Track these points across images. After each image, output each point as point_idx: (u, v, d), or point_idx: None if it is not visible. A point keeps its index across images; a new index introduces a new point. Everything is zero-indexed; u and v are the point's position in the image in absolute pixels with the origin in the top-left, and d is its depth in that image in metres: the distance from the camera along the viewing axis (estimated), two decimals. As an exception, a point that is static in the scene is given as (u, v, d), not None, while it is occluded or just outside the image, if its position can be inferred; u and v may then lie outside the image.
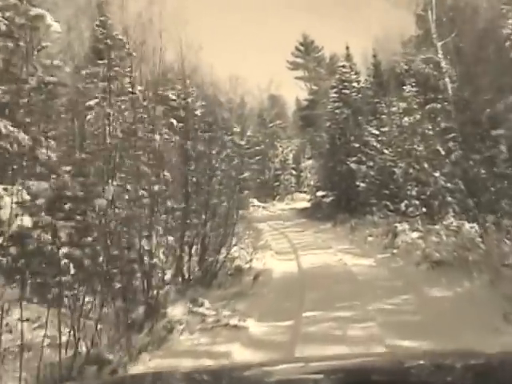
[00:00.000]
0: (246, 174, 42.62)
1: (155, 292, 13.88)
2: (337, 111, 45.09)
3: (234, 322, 13.48)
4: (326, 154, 46.47)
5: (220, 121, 61.90)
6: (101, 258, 12.11)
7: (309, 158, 64.27)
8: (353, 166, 37.71)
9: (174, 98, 43.73)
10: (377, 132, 36.23)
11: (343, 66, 47.07)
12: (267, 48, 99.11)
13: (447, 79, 35.83)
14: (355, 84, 46.05)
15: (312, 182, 53.17)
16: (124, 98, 29.94)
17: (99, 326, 10.62)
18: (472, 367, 2.69)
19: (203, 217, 19.54)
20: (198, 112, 43.92)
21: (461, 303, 12.92)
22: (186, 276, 18.30)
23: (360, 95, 44.86)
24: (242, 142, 64.67)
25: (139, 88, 31.83)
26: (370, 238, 26.23)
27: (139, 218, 14.41)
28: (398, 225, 23.56)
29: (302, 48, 71.14)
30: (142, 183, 15.47)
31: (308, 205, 50.66)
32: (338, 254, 24.06)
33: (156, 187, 15.92)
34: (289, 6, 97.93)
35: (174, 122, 41.73)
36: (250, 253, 23.78)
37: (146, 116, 28.55)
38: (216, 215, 20.44)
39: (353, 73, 47.04)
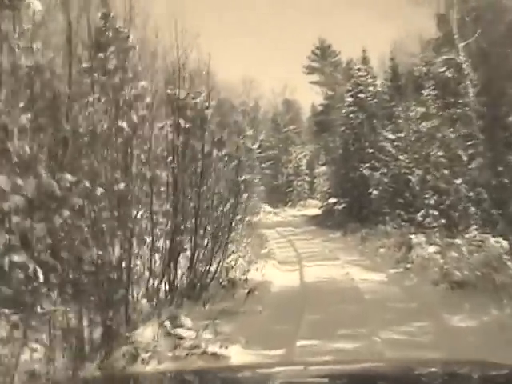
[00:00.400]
0: (248, 177, 40.05)
1: (118, 309, 11.24)
2: (351, 116, 42.56)
3: (213, 348, 10.86)
4: (338, 159, 43.94)
5: (232, 124, 59.89)
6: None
7: (322, 165, 61.61)
8: (366, 172, 35.05)
9: (182, 97, 41.54)
10: (392, 137, 33.58)
11: (359, 70, 44.47)
12: (282, 52, 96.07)
13: (468, 82, 33.38)
14: (371, 88, 43.45)
15: (324, 189, 50.41)
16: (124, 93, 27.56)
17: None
18: (487, 378, 2.51)
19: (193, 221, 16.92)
20: (207, 112, 41.63)
21: (489, 337, 10.26)
22: (171, 288, 15.64)
23: (376, 100, 42.31)
24: (255, 147, 62.36)
25: (142, 83, 29.51)
26: (381, 250, 23.57)
27: (122, 218, 11.95)
28: (412, 236, 20.84)
29: (318, 52, 68.50)
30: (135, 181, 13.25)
31: (319, 212, 47.86)
32: (345, 266, 21.48)
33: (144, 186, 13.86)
34: (305, 9, 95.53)
35: (182, 121, 39.17)
36: (249, 262, 21.24)
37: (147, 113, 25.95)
38: (210, 220, 17.81)
39: (369, 76, 44.43)
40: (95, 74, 15.34)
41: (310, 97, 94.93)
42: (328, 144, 54.34)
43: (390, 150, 33.31)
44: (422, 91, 34.25)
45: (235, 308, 14.60)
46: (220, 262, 17.73)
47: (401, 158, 32.32)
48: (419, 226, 23.88)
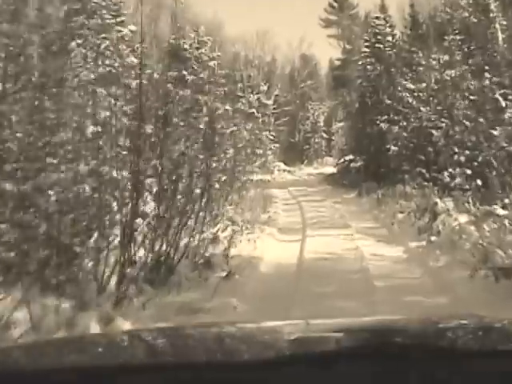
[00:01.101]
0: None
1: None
2: (368, 67, 38.01)
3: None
4: (354, 114, 39.49)
5: (245, 78, 55.34)
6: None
7: (340, 121, 57.11)
8: (383, 126, 30.56)
9: (186, 47, 37.12)
10: (412, 86, 29.03)
11: (377, 18, 39.67)
12: (299, 4, 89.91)
13: (498, 25, 28.91)
14: (389, 38, 38.64)
15: (340, 146, 45.69)
16: (106, 36, 23.44)
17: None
18: None
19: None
20: (212, 64, 37.34)
21: None
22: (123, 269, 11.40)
23: (394, 50, 37.63)
24: (269, 102, 57.95)
25: (131, 28, 25.21)
26: (399, 216, 19.14)
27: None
28: (438, 201, 16.30)
29: (335, 4, 63.55)
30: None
31: (336, 170, 43.43)
32: (356, 236, 17.06)
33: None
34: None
35: (186, 74, 34.75)
36: (240, 231, 17.09)
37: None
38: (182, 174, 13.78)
39: (387, 25, 39.60)
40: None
41: (327, 51, 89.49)
42: (346, 100, 49.96)
43: (410, 101, 28.85)
44: (445, 37, 29.88)
45: (201, 302, 10.39)
46: (196, 232, 13.64)
47: (422, 109, 27.93)
48: (445, 187, 19.50)
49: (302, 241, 16.96)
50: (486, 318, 2.70)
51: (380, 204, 22.95)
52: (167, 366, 1.76)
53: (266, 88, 56.24)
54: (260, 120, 54.55)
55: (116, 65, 22.93)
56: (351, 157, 38.53)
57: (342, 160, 40.45)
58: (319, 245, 15.90)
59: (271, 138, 55.52)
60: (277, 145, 56.19)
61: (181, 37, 36.49)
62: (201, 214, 15.17)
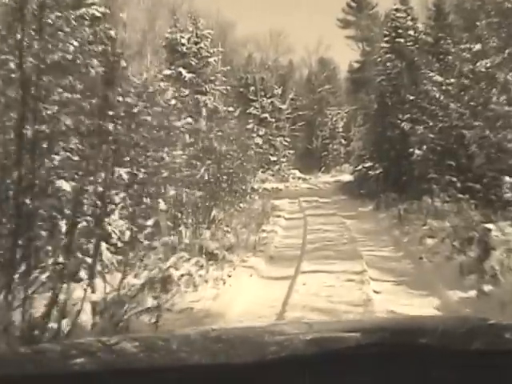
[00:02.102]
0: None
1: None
2: (388, 64, 32.46)
3: None
4: (373, 116, 33.63)
5: (258, 80, 49.70)
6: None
7: (359, 126, 51.29)
8: (405, 126, 24.75)
9: (183, 41, 31.87)
10: (440, 79, 23.24)
11: (397, 10, 33.90)
12: (314, 2, 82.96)
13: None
14: (411, 32, 32.93)
15: (357, 151, 39.62)
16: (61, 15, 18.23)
17: None
18: None
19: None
20: (213, 60, 32.07)
21: None
22: None
23: (417, 45, 31.88)
24: (284, 106, 52.32)
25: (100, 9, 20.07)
26: (429, 241, 13.30)
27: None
28: (491, 226, 10.20)
29: (353, 4, 57.84)
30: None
31: (353, 178, 37.60)
32: (367, 277, 11.07)
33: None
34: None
35: (183, 71, 28.91)
36: (206, 265, 11.67)
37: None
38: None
39: (409, 18, 33.82)
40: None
41: (346, 55, 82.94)
42: (364, 101, 44.18)
43: (438, 96, 23.06)
44: (477, 23, 24.14)
45: None
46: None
47: (452, 106, 22.23)
48: (494, 203, 13.73)
49: (291, 283, 11.12)
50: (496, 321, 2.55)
51: (402, 222, 17.13)
52: (163, 370, 1.70)
53: (280, 91, 50.56)
54: (274, 125, 49.44)
55: (71, 50, 17.11)
56: (369, 163, 32.86)
57: (360, 167, 34.63)
58: (313, 291, 10.21)
59: (286, 143, 50.02)
60: (292, 151, 50.61)
61: (178, 30, 31.22)
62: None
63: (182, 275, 10.98)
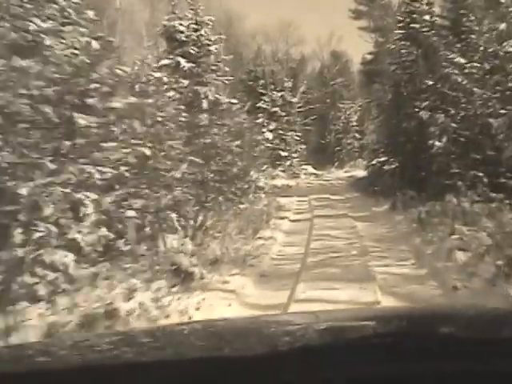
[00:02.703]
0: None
1: None
2: (403, 51, 29.26)
3: None
4: (387, 107, 30.40)
5: (267, 73, 46.52)
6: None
7: (373, 119, 48.03)
8: (424, 114, 21.53)
9: (182, 29, 28.99)
10: (462, 61, 20.08)
11: (412, -7, 30.61)
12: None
13: None
14: (427, 17, 29.60)
15: (371, 145, 36.22)
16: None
17: None
18: None
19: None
20: (214, 48, 29.10)
21: None
22: None
23: (433, 31, 28.63)
24: (295, 100, 49.09)
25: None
26: (460, 256, 10.04)
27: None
28: None
29: (366, -6, 54.44)
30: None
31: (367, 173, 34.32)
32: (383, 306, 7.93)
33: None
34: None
35: (182, 60, 26.78)
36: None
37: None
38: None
39: (424, 2, 30.51)
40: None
41: (359, 47, 78.88)
42: (378, 93, 40.91)
43: (460, 80, 19.87)
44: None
45: None
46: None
47: (476, 91, 19.13)
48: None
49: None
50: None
51: (424, 227, 13.83)
52: (166, 364, 1.61)
53: (290, 84, 47.32)
54: (284, 119, 46.31)
55: (31, 28, 14.52)
56: (384, 158, 29.72)
57: (374, 162, 31.43)
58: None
59: (297, 138, 46.80)
60: (303, 146, 47.41)
61: (177, 17, 28.19)
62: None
63: (133, 309, 7.96)
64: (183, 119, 25.17)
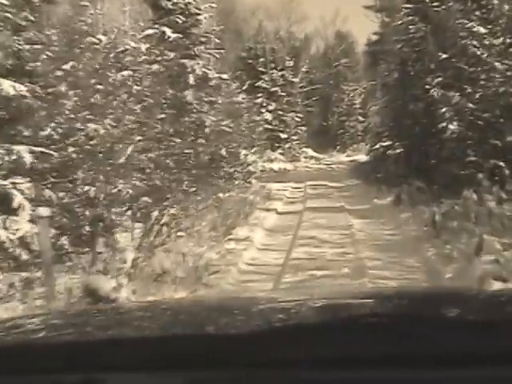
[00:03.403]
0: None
1: None
2: (411, 27, 25.70)
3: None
4: (393, 87, 26.86)
5: (268, 51, 42.97)
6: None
7: (377, 100, 44.45)
8: (435, 92, 18.09)
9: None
10: (482, 30, 16.62)
11: (422, -35, 26.95)
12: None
13: None
14: (437, -13, 26.01)
15: (373, 128, 32.48)
16: None
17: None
18: None
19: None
20: (203, 17, 25.97)
21: None
22: None
23: (444, 6, 25.14)
24: (296, 79, 45.49)
25: None
26: (498, 285, 6.64)
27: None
28: None
29: (372, -30, 50.67)
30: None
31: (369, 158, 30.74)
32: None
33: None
34: None
35: (168, 30, 23.12)
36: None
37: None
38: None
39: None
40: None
41: (365, 28, 74.05)
42: (382, 72, 37.28)
43: (479, 53, 16.43)
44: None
45: None
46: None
47: (498, 67, 15.81)
48: None
49: None
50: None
51: (438, 233, 10.34)
52: (163, 339, 1.53)
53: (292, 64, 43.71)
54: (285, 99, 42.81)
55: None
56: (388, 142, 26.32)
57: (377, 146, 27.96)
58: None
59: (298, 120, 43.27)
60: (304, 128, 43.89)
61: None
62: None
63: None
64: (168, 95, 22.23)
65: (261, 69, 41.96)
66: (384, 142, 26.80)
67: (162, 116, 21.14)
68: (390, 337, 1.34)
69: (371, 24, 47.79)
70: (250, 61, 42.37)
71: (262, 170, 33.25)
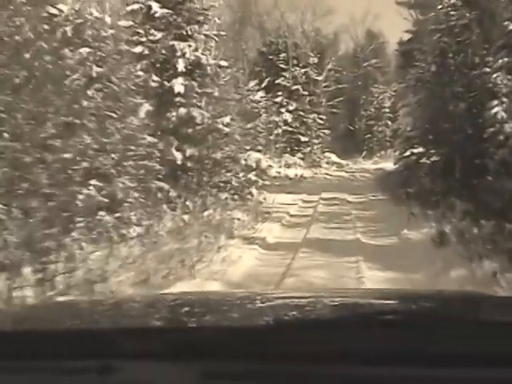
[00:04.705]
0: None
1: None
2: (452, 13, 20.27)
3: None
4: (429, 83, 21.08)
5: (290, 47, 37.48)
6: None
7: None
8: (498, 79, 12.47)
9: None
10: None
11: None
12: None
13: None
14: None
15: (403, 131, 26.17)
16: None
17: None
18: None
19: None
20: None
21: None
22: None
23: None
24: (320, 78, 39.73)
25: None
26: None
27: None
28: None
29: (406, -36, 45.02)
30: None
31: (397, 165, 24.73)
32: None
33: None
34: None
35: (154, 5, 17.95)
36: None
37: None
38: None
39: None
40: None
41: (397, 27, 67.62)
42: (417, 72, 31.33)
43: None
44: None
45: None
46: None
47: None
48: None
49: None
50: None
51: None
52: (167, 330, 1.52)
53: (316, 60, 38.05)
54: (307, 99, 37.24)
55: None
56: (421, 149, 20.85)
57: (408, 153, 22.28)
58: None
59: (320, 122, 37.62)
60: (327, 131, 38.19)
61: None
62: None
63: None
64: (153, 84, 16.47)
65: (282, 65, 36.53)
66: (416, 148, 21.16)
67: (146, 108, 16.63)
68: (397, 335, 1.28)
69: (404, 23, 42.05)
70: (271, 56, 36.97)
71: (274, 177, 27.86)
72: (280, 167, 30.78)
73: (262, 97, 31.87)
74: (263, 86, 34.15)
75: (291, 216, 15.78)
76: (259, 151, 28.68)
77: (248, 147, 25.09)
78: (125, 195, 11.66)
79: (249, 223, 12.99)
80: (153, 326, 1.51)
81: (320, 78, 38.23)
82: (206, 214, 12.76)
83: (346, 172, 33.16)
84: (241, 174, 18.58)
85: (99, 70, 13.36)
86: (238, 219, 13.61)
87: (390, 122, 43.62)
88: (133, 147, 13.42)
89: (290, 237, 12.19)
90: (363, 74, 46.19)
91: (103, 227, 9.62)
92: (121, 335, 1.39)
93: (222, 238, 10.64)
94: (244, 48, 36.34)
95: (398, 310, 1.58)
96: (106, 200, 10.52)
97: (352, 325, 1.35)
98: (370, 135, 44.49)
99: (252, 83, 32.44)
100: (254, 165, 26.15)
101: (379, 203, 18.54)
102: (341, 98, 42.45)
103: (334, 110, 41.53)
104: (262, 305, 1.81)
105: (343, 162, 37.41)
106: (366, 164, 37.99)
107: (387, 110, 44.64)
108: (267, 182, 25.53)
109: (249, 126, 29.91)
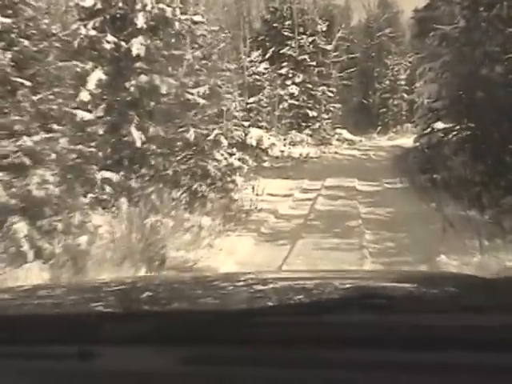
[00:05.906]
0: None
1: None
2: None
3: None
4: (457, 41, 16.24)
5: (295, 13, 32.50)
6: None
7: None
8: None
9: None
10: None
11: None
12: None
13: None
14: None
15: (425, 102, 20.97)
16: None
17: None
18: None
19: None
20: None
21: None
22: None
23: None
24: (330, 47, 34.73)
25: None
26: None
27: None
28: None
29: None
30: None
31: (417, 144, 19.87)
32: None
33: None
34: None
35: None
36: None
37: None
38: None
39: None
40: None
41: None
42: (434, 49, 26.33)
43: None
44: None
45: None
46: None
47: None
48: None
49: None
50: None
51: None
52: (160, 313, 1.46)
53: (325, 28, 33.22)
54: (315, 70, 32.53)
55: None
56: (448, 124, 16.30)
57: (430, 129, 17.66)
58: None
59: (330, 95, 32.87)
60: (338, 105, 33.49)
61: None
62: None
63: None
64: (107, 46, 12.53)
65: (287, 33, 31.88)
66: (442, 122, 16.56)
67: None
68: (384, 319, 1.25)
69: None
70: (275, 24, 32.31)
71: (276, 157, 23.46)
72: (285, 145, 26.39)
73: (265, 68, 27.64)
74: (267, 56, 29.85)
75: (278, 217, 11.31)
76: (260, 127, 24.51)
77: (247, 124, 21.05)
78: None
79: (210, 234, 8.54)
80: (134, 311, 1.42)
81: (329, 48, 33.45)
82: (147, 220, 8.41)
83: (359, 150, 28.50)
84: (222, 158, 14.17)
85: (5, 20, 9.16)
86: (200, 226, 9.18)
87: (406, 95, 39.04)
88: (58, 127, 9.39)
89: (260, 263, 7.67)
90: (377, 44, 41.47)
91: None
92: (101, 320, 1.31)
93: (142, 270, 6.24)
94: (245, 15, 31.76)
95: (382, 294, 1.46)
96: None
97: (335, 309, 1.25)
98: (384, 109, 39.84)
99: (255, 53, 28.20)
100: (254, 143, 21.91)
101: (397, 195, 13.99)
102: (352, 70, 37.74)
103: (346, 83, 36.86)
104: (246, 288, 1.71)
105: (356, 138, 32.79)
106: (381, 140, 33.39)
107: (403, 83, 40.09)
108: (265, 164, 21.08)
109: (251, 100, 25.89)
